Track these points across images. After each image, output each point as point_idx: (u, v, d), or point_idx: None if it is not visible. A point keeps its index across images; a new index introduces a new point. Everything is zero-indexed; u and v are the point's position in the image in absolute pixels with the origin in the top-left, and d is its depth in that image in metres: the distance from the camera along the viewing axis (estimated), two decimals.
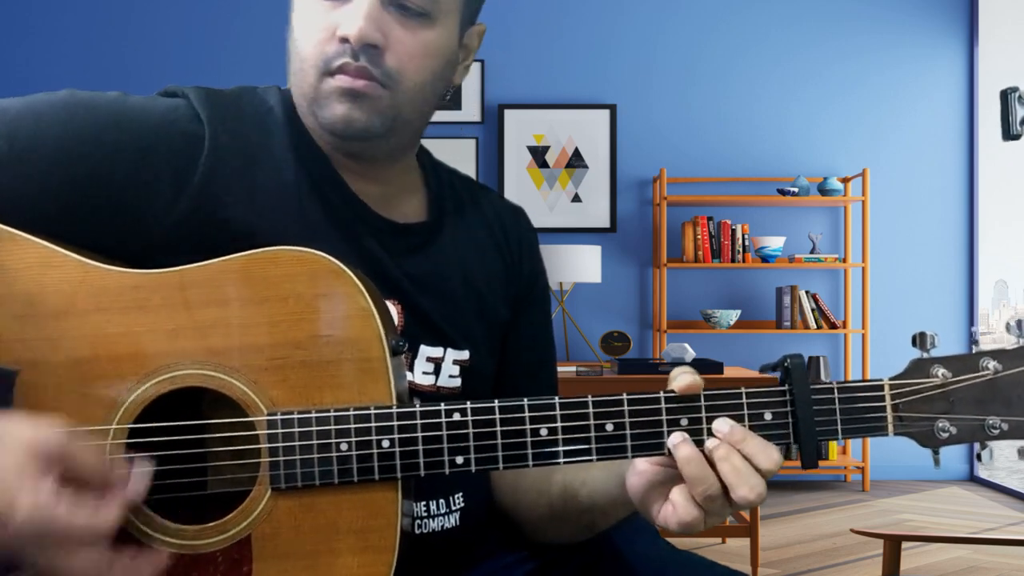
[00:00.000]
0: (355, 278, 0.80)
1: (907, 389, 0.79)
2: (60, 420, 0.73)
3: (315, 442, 0.79)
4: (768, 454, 0.77)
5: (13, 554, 0.70)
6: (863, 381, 0.80)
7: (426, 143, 1.05)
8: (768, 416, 0.80)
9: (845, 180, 5.11)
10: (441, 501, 0.95)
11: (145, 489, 0.74)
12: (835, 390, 0.79)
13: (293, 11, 0.94)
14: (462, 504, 0.97)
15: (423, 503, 0.94)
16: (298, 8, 0.93)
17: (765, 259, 5.00)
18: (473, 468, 0.79)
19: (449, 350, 0.97)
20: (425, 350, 0.96)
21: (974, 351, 0.80)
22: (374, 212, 0.95)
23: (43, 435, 0.70)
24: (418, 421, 0.79)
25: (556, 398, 0.80)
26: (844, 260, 5.12)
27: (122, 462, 0.75)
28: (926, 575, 3.28)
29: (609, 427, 0.79)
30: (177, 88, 0.92)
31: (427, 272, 0.97)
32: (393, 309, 0.93)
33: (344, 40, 0.87)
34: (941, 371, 0.79)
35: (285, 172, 0.91)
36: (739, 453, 0.77)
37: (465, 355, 0.98)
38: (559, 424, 0.79)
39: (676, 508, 0.78)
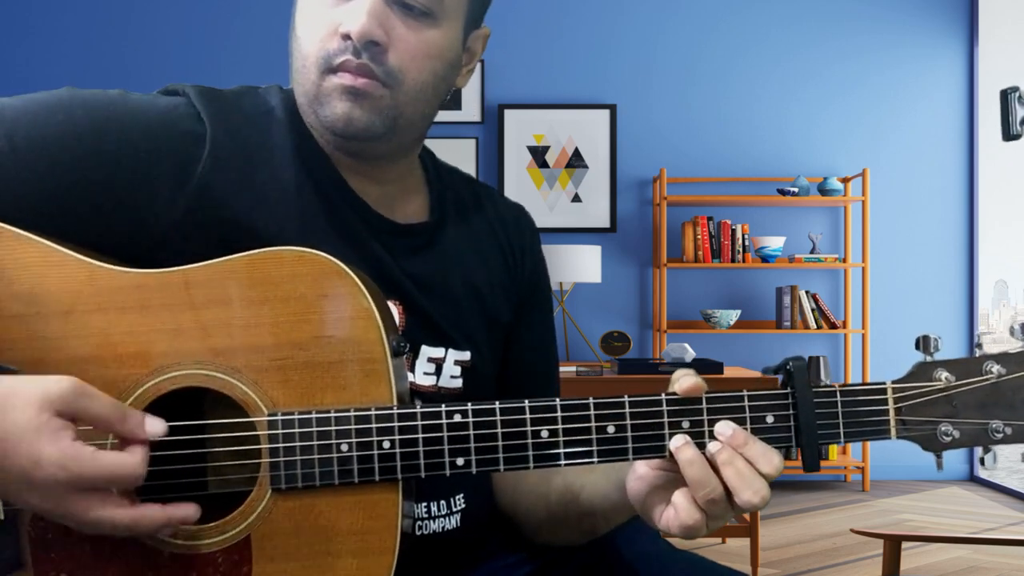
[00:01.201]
0: (357, 279, 0.80)
1: (910, 392, 0.79)
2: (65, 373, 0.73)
3: (315, 443, 0.78)
4: (769, 458, 0.77)
5: (50, 515, 0.70)
6: (866, 384, 0.79)
7: (426, 143, 1.05)
8: (770, 419, 0.80)
9: (845, 180, 5.11)
10: (442, 503, 0.95)
11: (164, 432, 0.75)
12: (837, 393, 0.79)
13: (296, 9, 0.93)
14: (463, 506, 0.97)
15: (424, 504, 0.94)
16: (301, 6, 0.92)
17: (765, 259, 5.00)
18: (474, 469, 0.79)
19: (451, 350, 0.97)
20: (427, 350, 0.96)
21: (977, 355, 0.79)
22: (376, 212, 0.95)
23: (54, 387, 0.70)
24: (419, 422, 0.79)
25: (557, 400, 0.79)
26: (844, 260, 5.12)
27: (135, 411, 0.75)
28: (926, 575, 3.28)
29: (610, 429, 0.79)
30: (178, 86, 0.92)
31: (429, 272, 0.97)
32: (395, 309, 0.93)
33: (346, 37, 0.87)
34: (944, 375, 0.79)
35: (286, 172, 0.91)
36: (742, 457, 0.77)
37: (467, 356, 0.98)
38: (560, 426, 0.79)
39: (678, 511, 0.77)
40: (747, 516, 3.11)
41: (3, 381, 0.70)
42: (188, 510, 0.75)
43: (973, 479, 5.09)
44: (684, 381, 0.79)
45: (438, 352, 0.96)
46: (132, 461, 0.71)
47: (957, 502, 4.57)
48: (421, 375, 0.95)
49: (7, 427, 0.68)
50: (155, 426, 0.74)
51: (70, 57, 5.25)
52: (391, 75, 0.89)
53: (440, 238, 1.00)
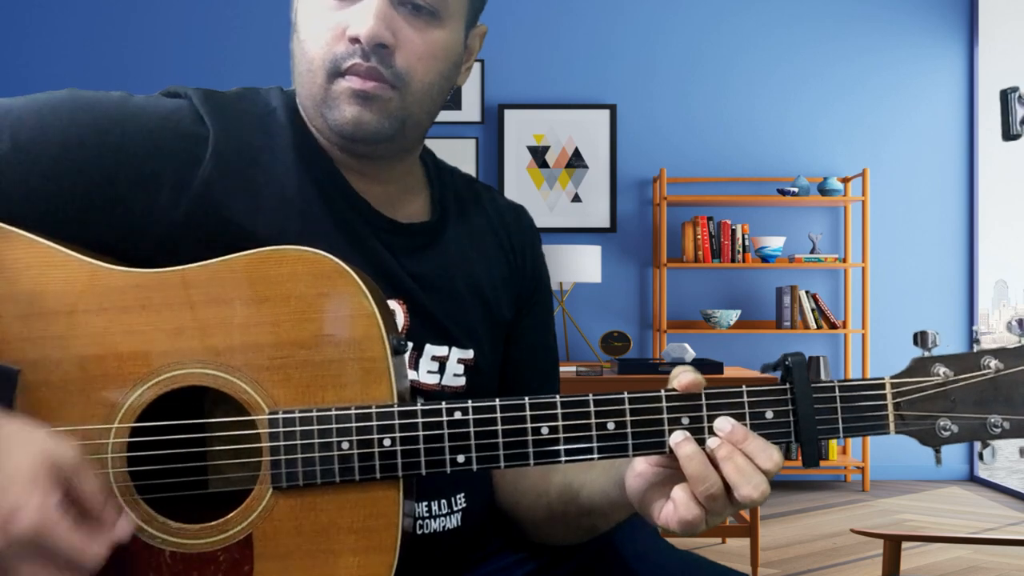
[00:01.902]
0: (357, 278, 0.80)
1: (908, 388, 0.80)
2: (69, 436, 0.73)
3: (316, 441, 0.79)
4: (769, 454, 0.77)
5: None
6: (864, 380, 0.80)
7: (426, 143, 1.05)
8: (769, 415, 0.80)
9: (845, 180, 5.11)
10: (443, 502, 0.95)
11: (131, 532, 0.75)
12: (836, 388, 0.79)
13: (297, 12, 0.93)
14: (464, 505, 0.97)
15: (425, 503, 0.94)
16: (303, 9, 0.92)
17: (765, 259, 5.00)
18: (474, 467, 0.79)
19: (454, 349, 0.97)
20: (431, 349, 0.96)
21: (975, 350, 0.80)
22: (377, 212, 0.95)
23: (60, 450, 0.70)
24: (419, 420, 0.79)
25: (557, 396, 0.80)
26: (844, 260, 5.12)
27: (116, 502, 0.77)
28: (926, 575, 3.28)
29: (610, 426, 0.79)
30: (179, 88, 0.92)
31: (431, 272, 0.97)
32: (399, 309, 0.93)
33: (354, 40, 0.87)
34: (942, 370, 0.79)
35: (288, 173, 0.91)
36: (741, 452, 0.77)
37: (470, 354, 0.98)
38: (560, 423, 0.79)
39: (677, 507, 0.77)
40: (747, 516, 3.11)
41: (13, 425, 0.71)
42: None
43: (973, 479, 5.09)
44: (683, 377, 0.79)
45: (442, 351, 0.97)
46: (97, 549, 0.71)
47: (957, 502, 4.57)
48: (425, 373, 0.95)
49: (4, 470, 0.68)
50: (125, 527, 0.74)
51: (70, 57, 5.26)
52: (399, 77, 0.89)
53: (442, 237, 1.00)
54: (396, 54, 0.88)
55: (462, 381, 0.98)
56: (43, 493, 0.68)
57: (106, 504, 0.73)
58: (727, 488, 0.76)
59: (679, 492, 0.78)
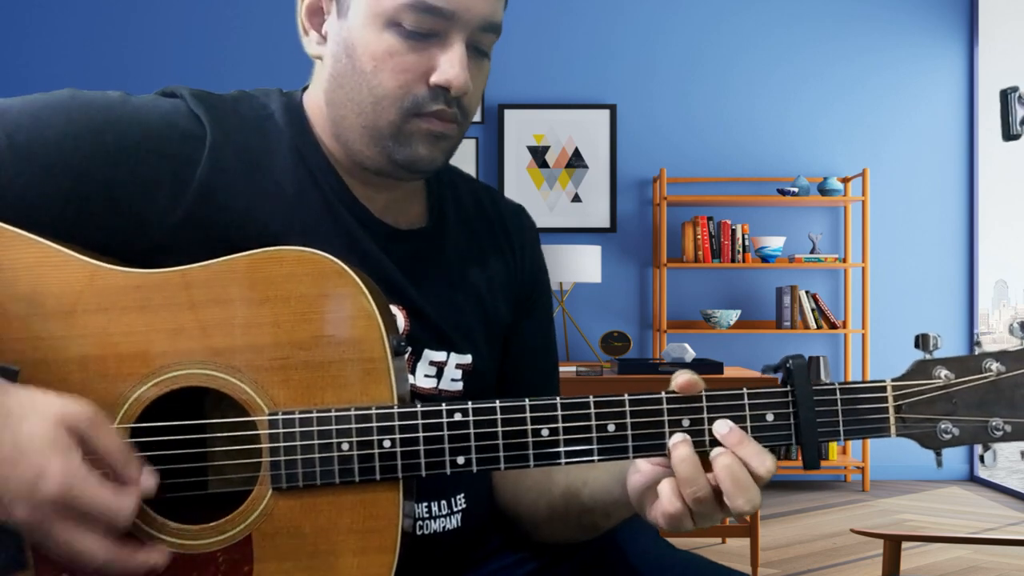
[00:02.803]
0: (357, 279, 0.80)
1: (910, 390, 0.79)
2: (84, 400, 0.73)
3: (316, 442, 0.79)
4: (762, 459, 0.77)
5: (30, 530, 0.69)
6: (865, 382, 0.80)
7: None
8: (770, 417, 0.80)
9: (845, 180, 5.11)
10: (443, 502, 0.95)
11: (156, 486, 0.75)
12: (837, 391, 0.79)
13: (354, 37, 0.89)
14: (464, 505, 0.97)
15: (425, 504, 0.94)
16: (364, 38, 0.88)
17: (765, 259, 5.00)
18: (474, 468, 0.79)
19: (452, 354, 0.97)
20: (429, 354, 0.96)
21: (977, 353, 0.80)
22: (377, 219, 0.95)
23: (74, 409, 0.70)
24: (419, 421, 0.79)
25: (557, 398, 0.80)
26: (844, 260, 5.12)
27: (138, 458, 0.76)
28: (926, 575, 3.28)
29: (611, 427, 0.79)
30: (174, 88, 0.92)
31: (430, 277, 0.98)
32: (399, 314, 0.94)
33: (441, 87, 0.88)
34: (944, 372, 0.79)
35: (288, 177, 0.91)
36: (736, 456, 0.77)
37: (468, 359, 0.99)
38: (560, 424, 0.79)
39: (661, 499, 0.78)
40: (747, 516, 3.11)
41: (23, 392, 0.71)
42: (161, 557, 0.75)
43: (973, 479, 5.09)
44: (681, 377, 0.79)
45: (440, 355, 0.97)
46: (128, 502, 0.71)
47: (957, 502, 4.57)
48: (422, 377, 0.95)
49: (22, 436, 0.68)
50: (150, 479, 0.74)
51: (70, 57, 5.25)
52: (465, 115, 0.92)
53: (440, 242, 1.00)
54: (465, 96, 0.91)
55: (460, 386, 0.98)
56: (64, 453, 0.68)
57: (129, 458, 0.73)
58: (715, 495, 0.77)
59: (664, 485, 0.78)
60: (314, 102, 0.95)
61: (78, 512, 0.70)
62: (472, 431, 0.79)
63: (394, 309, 0.93)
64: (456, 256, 1.01)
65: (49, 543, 0.70)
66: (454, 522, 0.96)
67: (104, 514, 0.70)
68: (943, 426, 0.79)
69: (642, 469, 0.82)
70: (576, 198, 5.22)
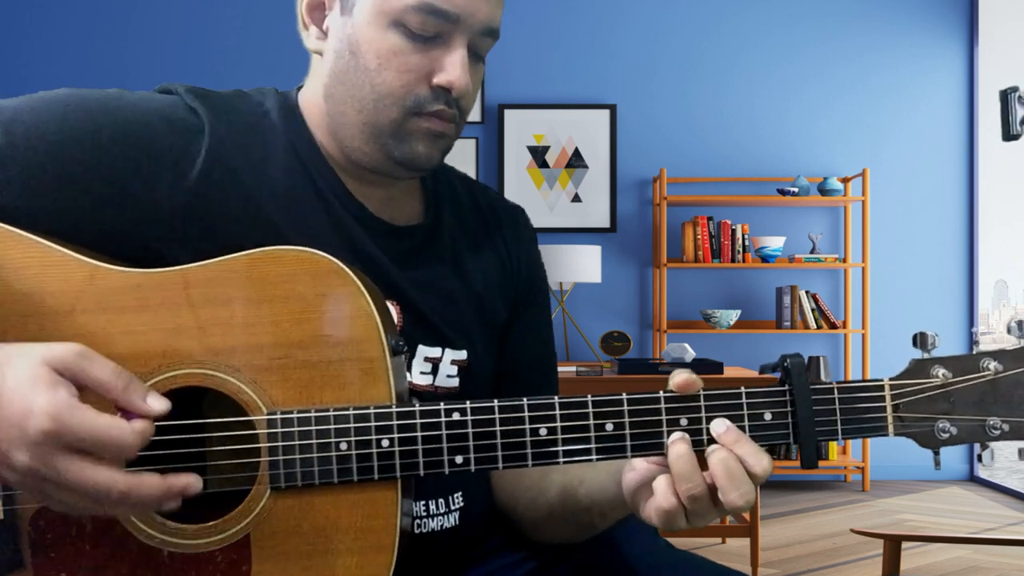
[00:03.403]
0: (356, 278, 0.80)
1: (907, 389, 0.79)
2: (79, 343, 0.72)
3: (315, 441, 0.79)
4: (759, 458, 0.77)
5: (40, 479, 0.68)
6: (863, 381, 0.80)
7: None
8: (768, 416, 0.80)
9: (845, 180, 5.11)
10: (440, 501, 0.95)
11: (165, 410, 0.73)
12: (835, 390, 0.79)
13: (358, 34, 0.90)
14: (461, 504, 0.97)
15: (422, 503, 0.94)
16: (373, 37, 0.89)
17: (765, 259, 5.00)
18: (472, 468, 0.79)
19: (447, 350, 0.97)
20: (423, 350, 0.96)
21: (975, 351, 0.80)
22: (373, 215, 0.96)
23: (56, 349, 0.70)
24: (417, 420, 0.79)
25: (556, 398, 0.80)
26: (844, 260, 5.12)
27: (141, 384, 0.74)
28: (926, 575, 3.28)
29: (609, 427, 0.79)
30: (171, 86, 0.92)
31: (426, 274, 0.98)
32: (393, 310, 0.94)
33: (443, 88, 0.90)
34: (941, 371, 0.79)
35: (283, 173, 0.91)
36: (733, 454, 0.77)
37: (463, 355, 0.99)
38: (559, 424, 0.79)
39: (656, 495, 0.78)
40: (747, 516, 3.11)
41: (9, 345, 0.71)
42: (189, 479, 0.73)
43: (973, 479, 5.09)
44: (678, 376, 0.79)
45: (435, 352, 0.97)
46: (128, 428, 0.69)
47: (957, 502, 4.57)
48: (417, 374, 0.96)
49: (7, 382, 0.68)
50: (157, 402, 0.73)
51: (70, 57, 5.26)
52: (462, 115, 0.94)
53: (437, 239, 1.01)
54: (464, 97, 0.93)
55: (455, 382, 0.98)
56: (48, 388, 0.68)
57: (129, 384, 0.72)
58: (710, 492, 0.77)
59: (659, 481, 0.78)
60: (310, 100, 0.95)
61: (78, 444, 0.68)
62: (470, 430, 0.79)
63: (388, 304, 0.93)
64: (452, 253, 1.01)
65: (64, 492, 0.69)
66: (452, 520, 0.96)
67: (105, 441, 0.68)
68: (941, 425, 0.79)
69: (637, 467, 0.82)
70: (576, 198, 5.22)
